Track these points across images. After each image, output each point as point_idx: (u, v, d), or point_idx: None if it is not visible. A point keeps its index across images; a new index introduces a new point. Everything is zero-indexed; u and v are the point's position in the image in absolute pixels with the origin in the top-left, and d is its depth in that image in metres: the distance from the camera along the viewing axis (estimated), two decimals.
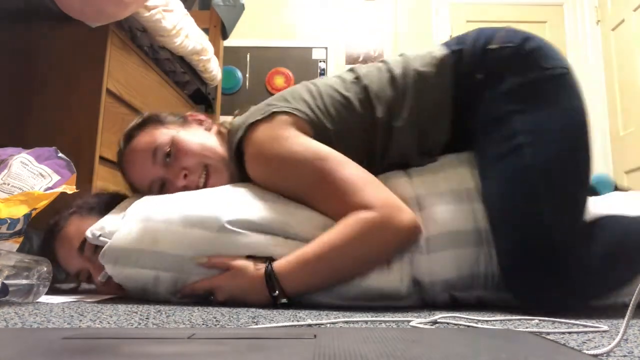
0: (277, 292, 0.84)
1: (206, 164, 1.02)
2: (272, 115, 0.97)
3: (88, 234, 0.93)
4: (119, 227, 0.91)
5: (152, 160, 1.00)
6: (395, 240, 0.87)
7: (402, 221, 0.86)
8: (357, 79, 1.01)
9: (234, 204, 0.92)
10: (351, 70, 1.05)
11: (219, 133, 1.08)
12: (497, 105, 0.92)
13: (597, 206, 0.96)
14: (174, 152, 1.00)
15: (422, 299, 0.91)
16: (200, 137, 1.04)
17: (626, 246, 0.87)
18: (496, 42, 0.94)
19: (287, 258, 0.86)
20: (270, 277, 0.84)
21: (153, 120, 1.05)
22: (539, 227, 0.84)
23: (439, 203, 0.92)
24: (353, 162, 0.93)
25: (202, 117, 1.11)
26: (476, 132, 0.95)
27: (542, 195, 0.85)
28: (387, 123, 0.98)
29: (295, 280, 0.84)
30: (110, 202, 1.02)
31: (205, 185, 1.02)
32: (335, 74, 1.08)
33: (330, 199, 0.90)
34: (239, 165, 1.01)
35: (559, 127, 0.88)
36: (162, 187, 1.02)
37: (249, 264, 0.87)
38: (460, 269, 0.89)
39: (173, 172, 1.01)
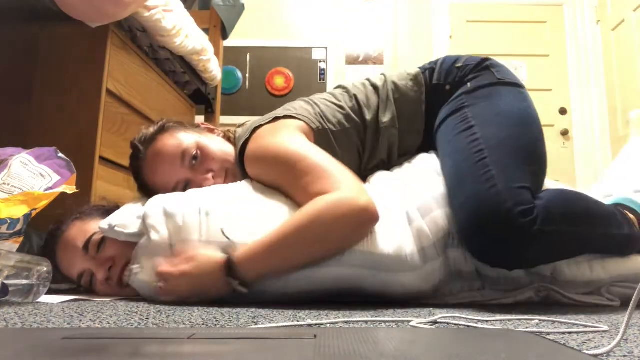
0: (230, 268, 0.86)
1: (226, 168, 1.11)
2: (275, 119, 1.07)
3: (103, 225, 0.97)
4: (130, 222, 0.96)
5: (180, 163, 1.07)
6: (348, 217, 0.89)
7: (358, 201, 0.90)
8: (346, 92, 1.17)
9: (232, 198, 0.98)
10: (338, 86, 1.22)
11: (228, 139, 1.18)
12: (455, 102, 1.10)
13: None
14: (200, 155, 1.08)
15: (446, 265, 0.96)
16: (218, 143, 1.13)
17: (568, 207, 0.95)
18: (461, 62, 1.16)
19: (249, 245, 0.88)
20: (230, 264, 0.86)
21: (172, 126, 1.12)
22: (488, 188, 0.93)
23: (419, 180, 1.05)
24: (327, 155, 0.99)
25: (211, 126, 1.20)
26: (439, 126, 1.11)
27: (489, 161, 0.96)
28: (375, 125, 1.13)
29: (254, 266, 0.87)
30: (110, 210, 1.05)
31: None
32: (326, 92, 1.23)
33: (300, 187, 0.95)
34: (241, 166, 1.09)
35: (503, 113, 1.05)
36: (185, 188, 1.07)
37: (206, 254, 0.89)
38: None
39: (198, 174, 1.08)
